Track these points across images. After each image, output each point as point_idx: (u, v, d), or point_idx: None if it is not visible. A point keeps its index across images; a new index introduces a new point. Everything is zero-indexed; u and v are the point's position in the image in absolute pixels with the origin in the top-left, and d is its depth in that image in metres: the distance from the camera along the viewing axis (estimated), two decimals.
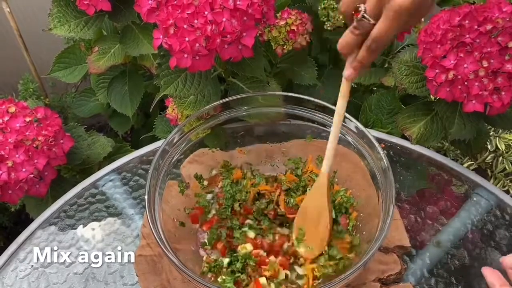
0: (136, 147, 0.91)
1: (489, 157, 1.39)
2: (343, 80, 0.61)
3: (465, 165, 1.37)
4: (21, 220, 1.33)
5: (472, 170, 0.84)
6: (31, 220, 0.80)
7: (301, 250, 0.68)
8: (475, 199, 0.80)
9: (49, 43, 1.23)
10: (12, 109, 0.84)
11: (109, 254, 0.74)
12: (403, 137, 0.88)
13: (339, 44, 0.58)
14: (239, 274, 0.66)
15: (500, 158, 1.39)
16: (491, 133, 1.37)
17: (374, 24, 0.55)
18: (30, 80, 1.29)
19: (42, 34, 0.95)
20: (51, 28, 0.87)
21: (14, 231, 1.30)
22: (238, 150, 0.78)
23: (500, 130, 1.40)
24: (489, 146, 1.38)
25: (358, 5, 0.55)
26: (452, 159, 0.84)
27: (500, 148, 1.38)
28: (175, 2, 0.67)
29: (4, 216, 1.30)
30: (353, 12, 0.56)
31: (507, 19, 0.73)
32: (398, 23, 0.54)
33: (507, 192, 1.31)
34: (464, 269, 0.71)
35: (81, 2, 0.82)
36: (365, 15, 0.55)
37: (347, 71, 0.60)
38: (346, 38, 0.57)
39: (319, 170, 0.72)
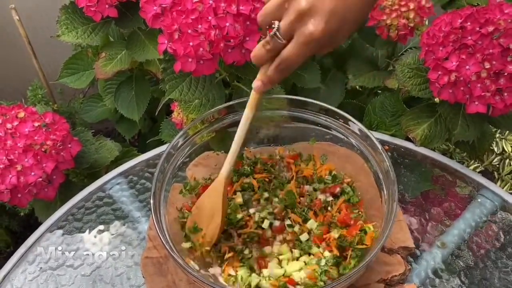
0: (143, 151, 0.92)
1: (495, 160, 1.39)
2: (252, 90, 0.61)
3: (471, 167, 1.37)
4: (30, 224, 1.34)
5: (479, 172, 0.84)
6: (40, 225, 0.81)
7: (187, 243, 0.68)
8: (479, 200, 0.80)
9: (57, 50, 1.25)
10: (21, 114, 0.86)
11: (116, 256, 0.75)
12: (407, 139, 0.88)
13: (252, 54, 0.59)
14: None
15: (507, 161, 1.38)
16: (497, 135, 1.37)
17: (286, 44, 0.55)
18: (38, 86, 1.31)
19: (50, 42, 0.97)
20: (59, 35, 0.89)
21: (23, 236, 1.32)
22: (247, 150, 0.78)
23: (507, 132, 1.39)
24: (495, 149, 1.38)
25: (273, 21, 0.55)
26: (458, 162, 0.84)
27: (507, 150, 1.38)
28: (180, 8, 0.68)
29: (13, 221, 1.32)
30: (267, 27, 0.56)
31: (509, 20, 0.74)
32: (307, 49, 0.53)
33: None
34: (468, 270, 0.71)
35: (88, 9, 0.84)
36: (277, 33, 0.54)
37: (256, 83, 0.60)
38: (257, 51, 0.57)
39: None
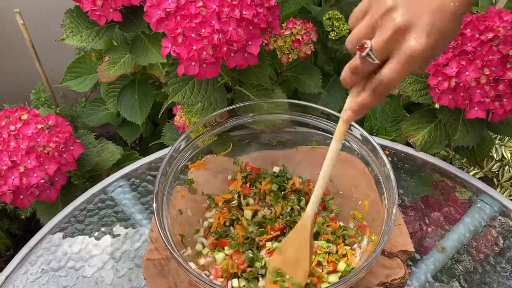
0: (144, 155, 0.93)
1: (495, 166, 1.39)
2: (340, 120, 0.56)
3: (471, 173, 1.37)
4: (30, 228, 1.35)
5: (478, 179, 0.85)
6: (40, 229, 0.82)
7: None
8: (479, 205, 0.81)
9: (59, 54, 1.26)
10: (25, 116, 0.87)
11: (118, 258, 0.76)
12: (407, 144, 0.89)
13: (341, 77, 0.54)
14: None
15: (506, 167, 1.39)
16: (496, 142, 1.37)
17: (378, 65, 0.50)
18: (41, 89, 1.32)
19: (54, 46, 0.98)
20: (64, 38, 0.89)
21: (23, 239, 1.32)
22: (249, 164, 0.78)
23: (506, 139, 1.40)
24: (495, 155, 1.38)
25: (364, 41, 0.50)
26: (458, 168, 0.85)
27: (506, 157, 1.38)
28: (184, 12, 0.69)
29: (14, 224, 1.32)
30: (357, 47, 0.51)
31: (508, 28, 0.75)
32: (409, 67, 0.48)
33: None
34: (468, 274, 0.72)
35: (93, 13, 0.85)
36: (370, 53, 0.49)
37: (345, 113, 0.54)
38: (344, 74, 0.53)
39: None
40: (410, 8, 0.48)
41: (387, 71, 0.49)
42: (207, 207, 0.76)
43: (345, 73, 0.53)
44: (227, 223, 0.73)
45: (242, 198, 0.75)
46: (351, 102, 0.54)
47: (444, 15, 0.48)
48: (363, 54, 0.50)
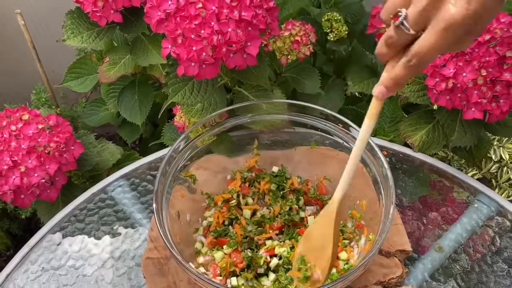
0: (144, 156, 0.94)
1: (493, 167, 1.40)
2: (373, 98, 0.52)
3: (469, 175, 1.38)
4: (30, 228, 1.35)
5: (477, 180, 0.85)
6: (40, 229, 0.82)
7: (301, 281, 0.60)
8: (476, 205, 0.81)
9: (61, 55, 1.27)
10: (26, 116, 0.87)
11: (117, 257, 0.76)
12: (405, 144, 0.90)
13: (375, 51, 0.50)
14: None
15: (505, 168, 1.39)
16: (495, 143, 1.38)
17: (414, 36, 0.46)
18: (42, 90, 1.33)
19: (55, 47, 0.98)
20: (65, 39, 0.90)
21: (23, 239, 1.33)
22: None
23: (504, 140, 1.41)
24: (493, 156, 1.39)
25: (399, 9, 0.46)
26: (457, 169, 0.86)
27: (505, 158, 1.39)
28: (183, 13, 0.70)
29: (14, 224, 1.32)
30: (391, 16, 0.47)
31: (505, 29, 0.75)
32: (447, 37, 0.44)
33: None
34: (465, 273, 0.72)
35: (93, 14, 0.86)
36: (404, 22, 0.46)
37: (377, 88, 0.50)
38: (379, 47, 0.49)
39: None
40: None
41: (423, 41, 0.46)
42: (207, 206, 0.77)
43: (380, 45, 0.49)
44: (226, 222, 0.74)
45: (241, 197, 0.76)
46: (384, 77, 0.50)
47: None
48: (397, 22, 0.46)
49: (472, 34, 0.47)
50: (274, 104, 0.78)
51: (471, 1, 0.43)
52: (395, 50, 0.48)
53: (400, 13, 0.46)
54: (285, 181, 0.77)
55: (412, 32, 0.46)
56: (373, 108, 0.52)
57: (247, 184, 0.77)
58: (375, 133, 0.99)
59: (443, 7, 0.44)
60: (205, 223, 0.75)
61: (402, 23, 0.46)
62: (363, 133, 0.55)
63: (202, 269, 0.69)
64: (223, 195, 0.76)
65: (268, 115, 0.78)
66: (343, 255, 0.68)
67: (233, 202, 0.75)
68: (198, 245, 0.72)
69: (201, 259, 0.69)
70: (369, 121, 0.53)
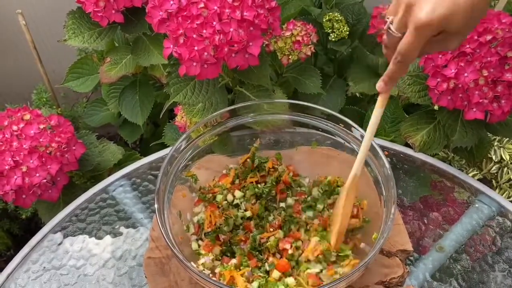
0: (145, 156, 0.94)
1: (494, 168, 1.40)
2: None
3: (470, 175, 1.38)
4: (31, 228, 1.35)
5: (477, 180, 0.86)
6: (41, 229, 0.82)
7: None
8: (477, 205, 0.81)
9: (62, 55, 1.27)
10: (27, 116, 0.88)
11: (119, 256, 0.77)
12: (407, 145, 0.90)
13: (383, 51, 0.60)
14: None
15: (505, 169, 1.39)
16: (495, 144, 1.38)
17: (401, 37, 0.55)
18: (43, 90, 1.33)
19: (56, 47, 0.99)
20: (66, 39, 0.90)
21: (24, 239, 1.33)
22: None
23: (505, 141, 1.41)
24: (493, 157, 1.39)
25: (387, 17, 0.56)
26: (458, 169, 0.86)
27: (505, 159, 1.39)
28: (185, 13, 0.70)
29: (15, 224, 1.33)
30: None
31: (506, 30, 0.76)
32: (420, 36, 0.53)
33: None
34: (466, 273, 0.73)
35: (95, 14, 0.86)
36: (390, 26, 0.55)
37: (378, 84, 0.61)
38: (383, 49, 0.59)
39: None
40: None
41: (402, 41, 0.54)
42: (196, 200, 0.76)
43: (383, 46, 0.59)
44: (220, 223, 0.73)
45: (230, 193, 0.75)
46: (384, 73, 0.60)
47: None
48: (385, 27, 0.56)
49: (459, 34, 0.55)
50: (275, 104, 0.78)
51: (435, 9, 0.51)
52: (393, 49, 0.57)
53: (387, 19, 0.56)
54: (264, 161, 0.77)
55: (398, 34, 0.55)
56: (379, 101, 0.63)
57: (237, 181, 0.76)
58: (376, 134, 0.99)
59: (413, 13, 0.53)
60: (195, 219, 0.74)
61: (389, 27, 0.56)
62: (373, 120, 0.65)
63: (202, 267, 0.68)
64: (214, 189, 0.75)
65: (269, 115, 0.78)
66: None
67: (225, 203, 0.74)
68: (194, 246, 0.72)
69: (202, 260, 0.69)
70: (376, 111, 0.64)
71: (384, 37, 0.58)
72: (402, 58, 0.56)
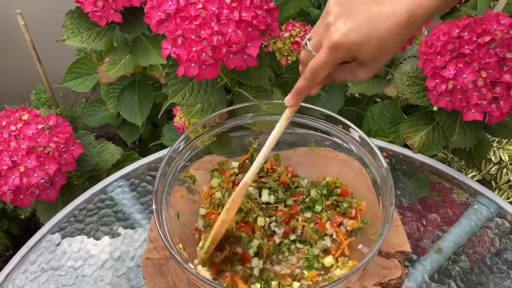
0: (144, 156, 0.93)
1: (493, 169, 1.40)
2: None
3: (469, 176, 1.38)
4: (29, 228, 1.35)
5: (476, 181, 0.86)
6: (39, 229, 0.82)
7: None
8: (476, 207, 0.81)
9: (61, 55, 1.27)
10: (25, 116, 0.87)
11: (117, 257, 0.76)
12: (405, 146, 0.90)
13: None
14: None
15: (504, 170, 1.39)
16: (494, 145, 1.38)
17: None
18: (42, 90, 1.33)
19: (55, 47, 0.98)
20: (65, 39, 0.90)
21: (22, 239, 1.33)
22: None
23: (504, 142, 1.41)
24: (493, 158, 1.39)
25: (309, 35, 0.58)
26: (457, 170, 0.86)
27: (504, 160, 1.39)
28: (183, 14, 0.70)
29: (13, 224, 1.32)
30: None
31: (505, 31, 0.75)
32: (330, 54, 0.55)
33: None
34: (464, 275, 0.72)
35: (93, 14, 0.86)
36: (307, 43, 0.58)
37: (286, 98, 0.63)
38: (300, 66, 0.61)
39: None
40: (341, 11, 0.55)
41: (315, 58, 0.57)
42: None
43: (300, 62, 0.62)
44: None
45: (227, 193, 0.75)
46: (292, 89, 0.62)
47: (374, 23, 0.54)
48: (303, 43, 0.59)
49: (368, 67, 0.57)
50: (274, 105, 0.78)
51: (349, 33, 0.54)
52: (306, 66, 0.58)
53: (307, 37, 0.58)
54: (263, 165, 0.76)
55: (313, 52, 0.58)
56: (284, 114, 0.64)
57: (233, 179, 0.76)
58: (375, 134, 0.99)
59: (329, 33, 0.55)
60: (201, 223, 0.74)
61: (306, 44, 0.58)
62: (278, 127, 0.65)
63: (200, 268, 0.68)
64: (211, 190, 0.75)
65: (268, 116, 0.77)
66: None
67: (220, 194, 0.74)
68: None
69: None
70: (281, 122, 0.64)
71: (301, 53, 0.60)
72: (310, 75, 0.58)
